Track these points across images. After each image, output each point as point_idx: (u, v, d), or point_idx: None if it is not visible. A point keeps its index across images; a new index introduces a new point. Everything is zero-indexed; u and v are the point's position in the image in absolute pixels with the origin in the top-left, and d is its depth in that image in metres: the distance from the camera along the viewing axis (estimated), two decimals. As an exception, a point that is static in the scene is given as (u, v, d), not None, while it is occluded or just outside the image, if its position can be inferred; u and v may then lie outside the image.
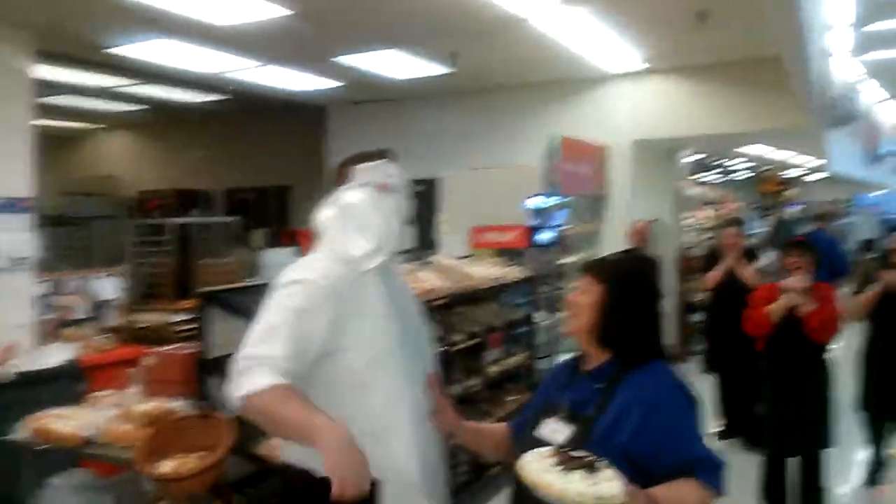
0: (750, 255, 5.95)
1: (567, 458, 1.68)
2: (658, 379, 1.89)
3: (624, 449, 1.78)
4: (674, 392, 1.88)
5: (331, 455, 1.74)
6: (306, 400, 1.87)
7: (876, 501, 4.73)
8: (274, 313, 1.98)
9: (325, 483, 2.00)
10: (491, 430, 2.27)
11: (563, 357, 2.08)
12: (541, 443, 1.84)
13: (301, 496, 2.15)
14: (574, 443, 1.81)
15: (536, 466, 1.68)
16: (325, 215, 2.21)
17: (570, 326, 2.00)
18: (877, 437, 5.01)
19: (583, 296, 1.97)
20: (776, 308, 4.27)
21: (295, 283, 2.03)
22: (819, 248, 4.59)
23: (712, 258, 5.99)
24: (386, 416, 2.04)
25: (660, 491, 1.74)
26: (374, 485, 1.97)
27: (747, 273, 5.57)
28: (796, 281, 4.22)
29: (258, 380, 1.87)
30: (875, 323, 4.96)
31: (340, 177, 2.22)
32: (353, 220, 2.14)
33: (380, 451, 1.99)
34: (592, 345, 1.96)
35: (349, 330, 2.03)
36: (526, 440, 1.92)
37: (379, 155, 2.21)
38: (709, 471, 1.79)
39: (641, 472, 1.75)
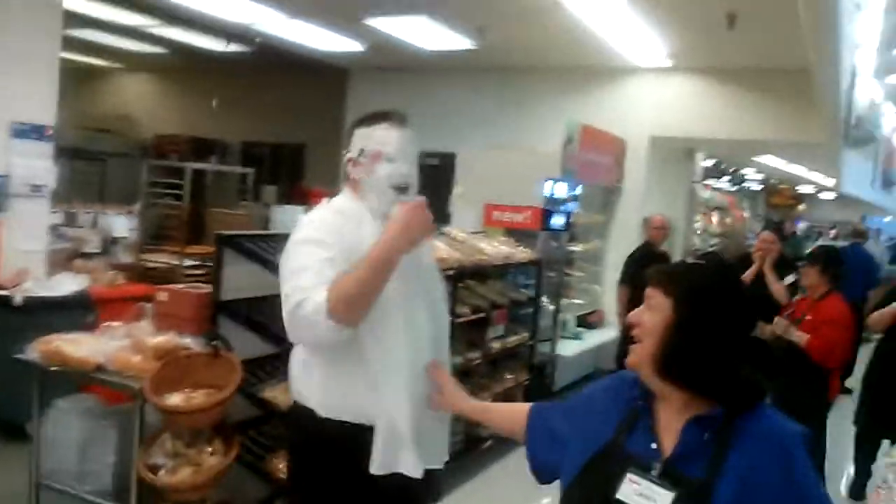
0: (787, 265, 5.68)
1: None
2: (777, 430, 1.45)
3: None
4: (800, 450, 1.44)
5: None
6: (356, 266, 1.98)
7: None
8: (295, 267, 2.04)
9: (329, 423, 2.11)
10: (502, 416, 1.98)
11: (625, 375, 1.62)
12: None
13: (304, 438, 2.24)
14: None
15: None
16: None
17: (634, 356, 1.52)
18: (865, 452, 5.06)
19: (648, 314, 1.49)
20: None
21: (306, 239, 2.10)
22: (857, 263, 4.64)
23: (745, 261, 5.78)
24: (383, 365, 2.10)
25: None
26: (365, 430, 2.06)
27: (776, 287, 5.28)
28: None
29: (315, 301, 1.93)
30: (886, 339, 5.02)
31: (349, 136, 2.28)
32: (359, 187, 2.21)
33: (374, 398, 2.09)
34: (661, 380, 1.47)
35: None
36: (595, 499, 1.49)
37: (383, 117, 2.22)
38: None
39: None
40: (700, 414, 1.44)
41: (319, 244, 2.06)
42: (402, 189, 2.17)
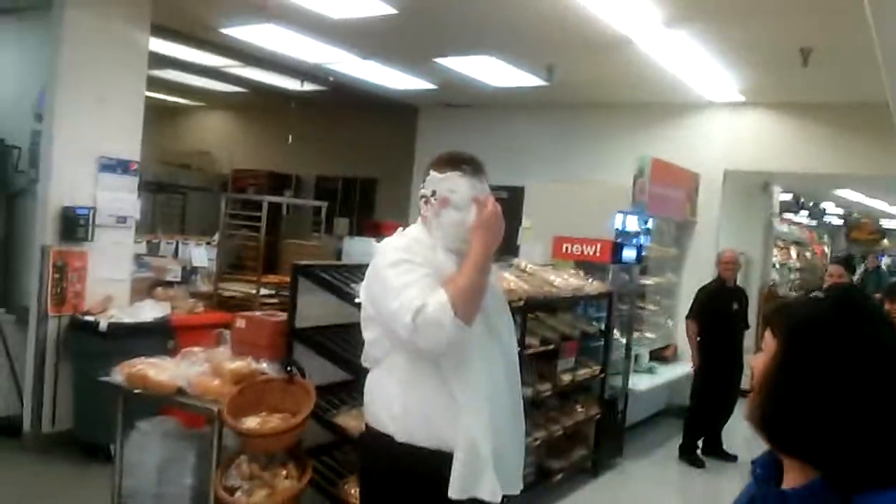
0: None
1: None
2: None
3: None
4: None
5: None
6: (457, 272, 2.14)
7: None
8: (397, 284, 2.12)
9: (407, 449, 2.12)
10: None
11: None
12: None
13: (378, 464, 2.26)
14: None
15: None
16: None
17: (746, 408, 1.23)
18: None
19: (758, 358, 1.22)
20: None
21: (398, 261, 2.17)
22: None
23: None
24: (463, 391, 2.13)
25: None
26: (443, 456, 2.08)
27: None
28: None
29: (440, 300, 2.05)
30: None
31: (425, 174, 2.35)
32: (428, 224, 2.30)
33: (455, 424, 2.12)
34: (766, 440, 1.17)
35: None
36: None
37: (456, 165, 2.27)
38: None
39: None
40: (788, 490, 1.12)
41: (412, 263, 2.15)
42: (466, 240, 2.22)
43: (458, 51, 7.10)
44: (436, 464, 2.10)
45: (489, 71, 7.58)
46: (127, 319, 4.94)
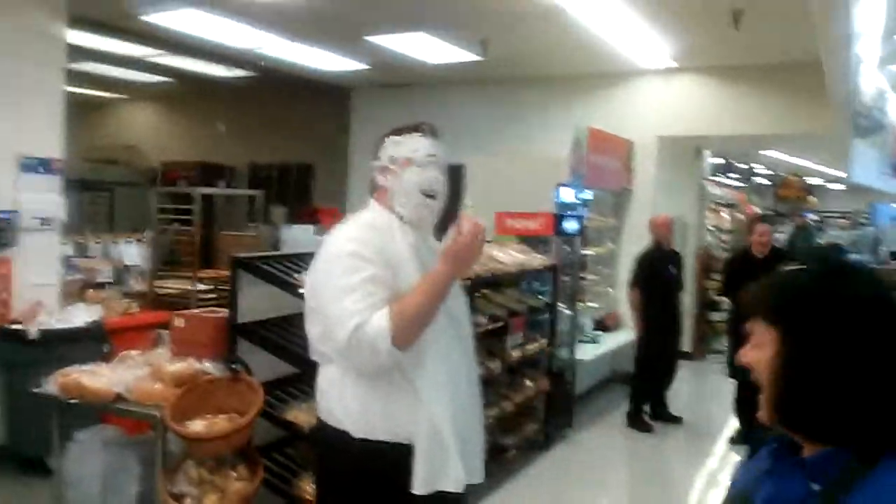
0: (780, 257, 5.86)
1: None
2: None
3: None
4: None
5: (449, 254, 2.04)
6: (409, 292, 2.03)
7: None
8: (339, 286, 2.03)
9: (364, 444, 2.05)
10: None
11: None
12: None
13: (335, 460, 2.19)
14: None
15: None
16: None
17: (761, 410, 1.15)
18: None
19: (754, 352, 1.14)
20: None
21: (346, 255, 2.07)
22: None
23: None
24: (422, 379, 2.07)
25: None
26: (403, 449, 2.02)
27: None
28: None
29: (380, 324, 1.96)
30: None
31: (378, 146, 2.28)
32: (388, 194, 2.21)
33: (414, 414, 2.05)
34: (793, 434, 1.13)
35: (394, 286, 2.08)
36: None
37: (414, 128, 2.25)
38: None
39: None
40: (805, 457, 1.10)
41: (360, 258, 2.05)
42: (430, 195, 2.18)
43: (389, 28, 6.98)
44: (396, 458, 2.04)
45: (422, 48, 7.48)
46: (58, 325, 4.73)
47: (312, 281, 2.19)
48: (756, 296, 1.16)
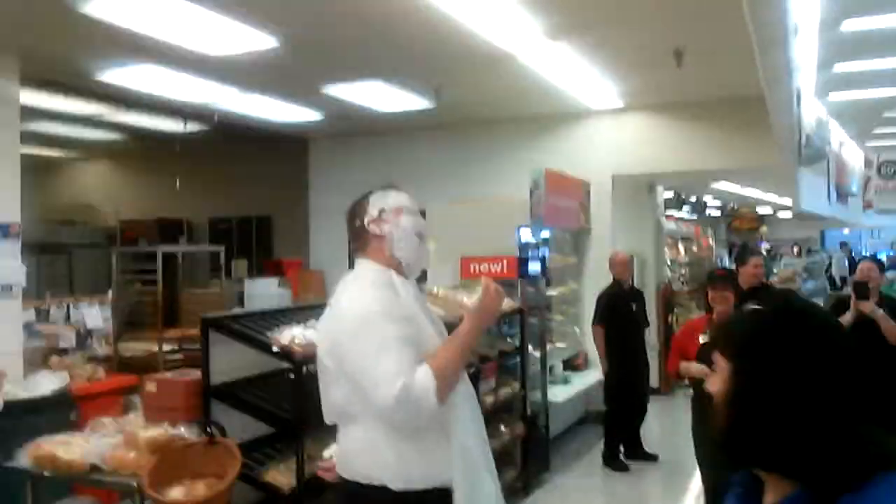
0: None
1: None
2: None
3: None
4: None
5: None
6: (442, 347, 2.18)
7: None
8: (373, 348, 2.09)
9: (405, 495, 2.11)
10: None
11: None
12: None
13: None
14: None
15: None
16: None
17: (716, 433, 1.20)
18: None
19: (713, 381, 1.21)
20: (687, 372, 4.19)
21: (374, 315, 2.14)
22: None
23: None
24: (454, 424, 2.17)
25: None
26: (442, 492, 2.12)
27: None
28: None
29: (424, 383, 2.04)
30: None
31: (355, 215, 2.37)
32: (387, 243, 2.31)
33: (449, 458, 2.15)
34: (739, 461, 1.20)
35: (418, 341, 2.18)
36: None
37: (390, 186, 2.42)
38: None
39: None
40: (780, 500, 1.12)
41: (388, 319, 2.13)
42: (422, 237, 2.35)
43: (343, 78, 7.09)
44: (433, 501, 2.13)
45: (377, 96, 7.59)
46: (23, 394, 4.63)
47: (333, 345, 2.20)
48: (719, 328, 1.25)
